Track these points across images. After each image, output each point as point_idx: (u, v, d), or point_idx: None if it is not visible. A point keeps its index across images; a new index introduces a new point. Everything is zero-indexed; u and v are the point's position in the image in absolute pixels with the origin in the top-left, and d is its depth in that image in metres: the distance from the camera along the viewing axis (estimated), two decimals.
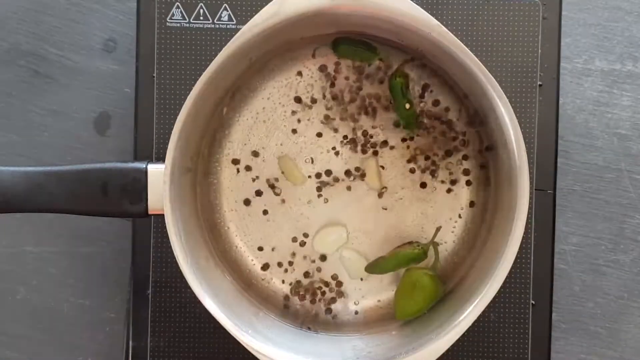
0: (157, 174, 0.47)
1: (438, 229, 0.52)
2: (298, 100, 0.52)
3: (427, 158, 0.52)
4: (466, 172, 0.52)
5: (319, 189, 0.53)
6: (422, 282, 0.50)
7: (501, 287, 0.45)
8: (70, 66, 0.58)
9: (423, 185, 0.53)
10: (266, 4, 0.46)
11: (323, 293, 0.53)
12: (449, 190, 0.53)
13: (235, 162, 0.53)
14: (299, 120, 0.52)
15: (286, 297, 0.53)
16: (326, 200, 0.53)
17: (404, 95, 0.51)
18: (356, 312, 0.53)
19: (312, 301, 0.53)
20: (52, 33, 0.58)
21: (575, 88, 0.58)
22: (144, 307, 0.53)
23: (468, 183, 0.53)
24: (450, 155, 0.52)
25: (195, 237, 0.50)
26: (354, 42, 0.51)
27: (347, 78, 0.52)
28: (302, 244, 0.53)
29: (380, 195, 0.53)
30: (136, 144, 0.53)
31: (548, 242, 0.52)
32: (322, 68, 0.52)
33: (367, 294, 0.53)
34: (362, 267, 0.53)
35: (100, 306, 0.58)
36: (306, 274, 0.53)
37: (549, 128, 0.52)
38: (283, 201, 0.53)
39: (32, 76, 0.58)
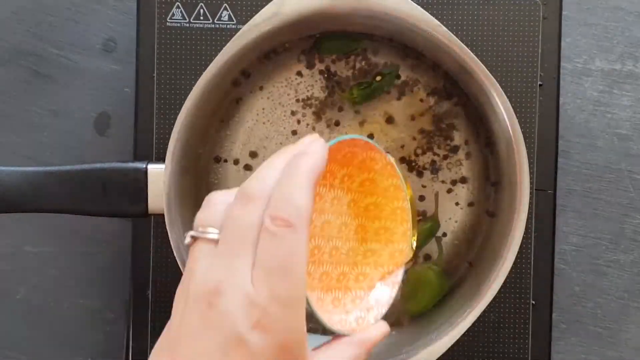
0: (157, 174, 0.47)
1: (437, 195, 0.52)
2: (298, 100, 0.52)
3: (427, 158, 0.52)
4: (466, 172, 0.52)
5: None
6: (426, 277, 0.51)
7: (501, 287, 0.45)
8: (70, 66, 0.58)
9: (423, 185, 0.52)
10: (266, 3, 0.46)
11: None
12: (449, 190, 0.52)
13: (236, 162, 0.53)
14: (298, 121, 0.52)
15: None
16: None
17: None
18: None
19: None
20: (52, 33, 0.58)
21: (576, 88, 0.58)
22: (144, 307, 0.53)
23: (468, 183, 0.52)
24: (450, 156, 0.52)
25: None
26: (336, 36, 0.51)
27: (348, 77, 0.52)
28: None
29: None
30: (136, 144, 0.52)
31: (548, 242, 0.52)
32: (324, 67, 0.52)
33: None
34: None
35: (100, 306, 0.58)
36: None
37: (549, 128, 0.52)
38: None
39: (31, 76, 0.58)
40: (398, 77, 0.52)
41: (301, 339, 0.32)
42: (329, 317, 0.36)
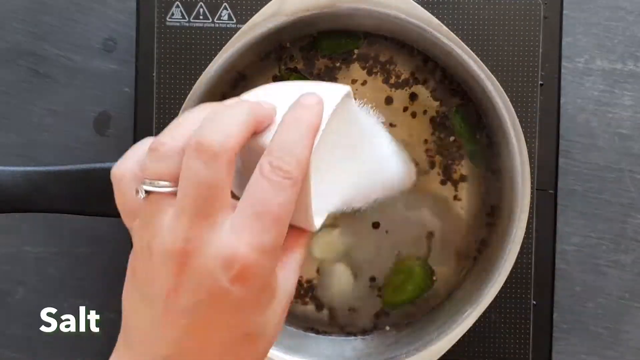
0: None
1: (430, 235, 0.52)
2: None
3: (427, 158, 0.52)
4: (466, 171, 0.52)
5: None
6: (413, 272, 0.51)
7: (502, 287, 0.46)
8: (70, 66, 0.58)
9: (423, 185, 0.52)
10: (266, 3, 0.45)
11: (323, 294, 0.53)
12: (449, 191, 0.52)
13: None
14: None
15: None
16: None
17: (468, 127, 0.51)
18: (356, 312, 0.53)
19: (312, 302, 0.53)
20: (52, 33, 0.58)
21: (577, 87, 0.58)
22: None
23: (468, 182, 0.52)
24: (451, 156, 0.52)
25: None
26: (335, 35, 0.51)
27: (352, 78, 0.52)
28: None
29: None
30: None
31: (549, 242, 0.52)
32: (327, 64, 0.52)
33: (367, 294, 0.53)
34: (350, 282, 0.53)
35: (100, 306, 0.58)
36: (306, 275, 0.53)
37: (550, 128, 0.52)
38: None
39: (31, 76, 0.58)
40: None
41: (275, 278, 0.32)
42: None
